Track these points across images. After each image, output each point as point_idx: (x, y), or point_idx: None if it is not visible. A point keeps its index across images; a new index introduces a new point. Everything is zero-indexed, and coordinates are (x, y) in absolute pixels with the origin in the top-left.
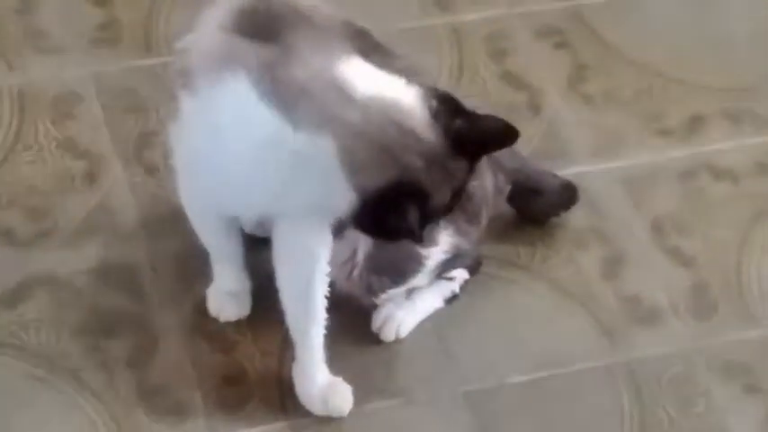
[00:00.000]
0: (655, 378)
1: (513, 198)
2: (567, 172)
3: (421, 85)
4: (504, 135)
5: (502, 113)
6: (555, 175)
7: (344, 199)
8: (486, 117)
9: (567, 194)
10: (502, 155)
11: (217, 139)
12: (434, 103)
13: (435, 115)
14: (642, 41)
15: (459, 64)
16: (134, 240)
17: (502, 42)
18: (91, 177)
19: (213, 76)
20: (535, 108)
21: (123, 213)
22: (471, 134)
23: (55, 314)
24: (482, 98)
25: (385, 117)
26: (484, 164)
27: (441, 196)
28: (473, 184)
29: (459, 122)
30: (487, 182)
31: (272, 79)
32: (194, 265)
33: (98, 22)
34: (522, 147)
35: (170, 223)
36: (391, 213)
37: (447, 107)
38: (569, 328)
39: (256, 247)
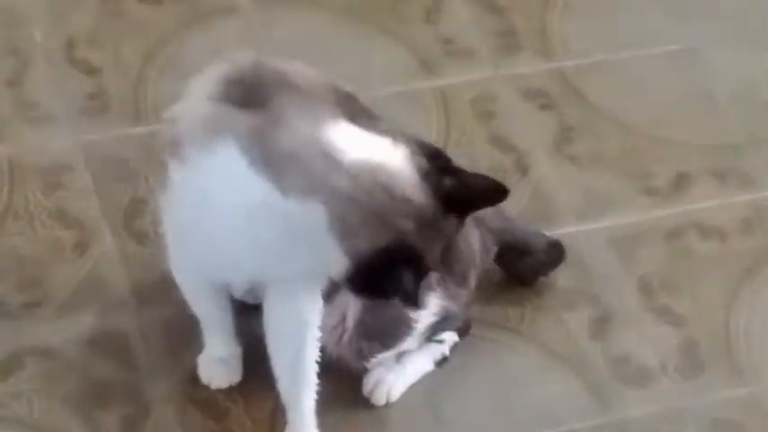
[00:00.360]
0: None
1: (500, 258)
2: (554, 232)
3: (408, 142)
4: (493, 193)
5: (489, 175)
6: (542, 234)
7: (337, 264)
8: (475, 175)
9: (555, 253)
10: (489, 216)
11: (206, 207)
12: (423, 161)
13: (424, 176)
14: (627, 102)
15: (447, 127)
16: (124, 309)
17: (488, 105)
18: (81, 247)
19: (202, 145)
20: (522, 169)
21: (114, 282)
22: (461, 193)
23: (46, 385)
24: (469, 160)
25: (374, 181)
26: (470, 225)
27: (432, 254)
28: (461, 247)
29: (448, 181)
30: (474, 243)
31: (261, 146)
32: (185, 333)
33: (87, 92)
34: (510, 207)
35: (160, 291)
36: (386, 277)
37: (435, 165)
38: (559, 390)
39: (247, 312)
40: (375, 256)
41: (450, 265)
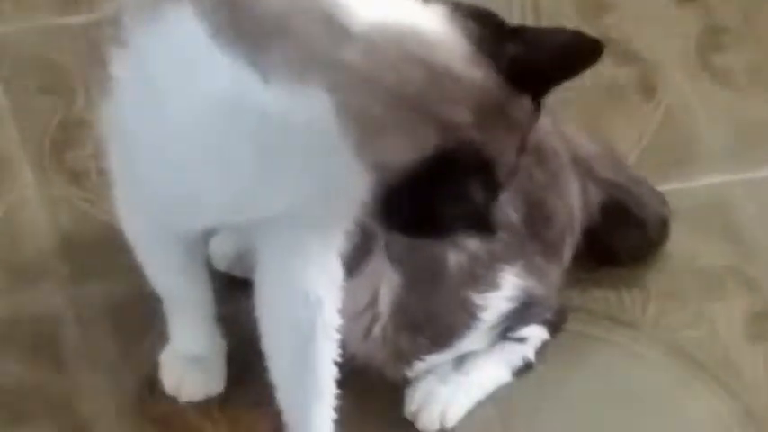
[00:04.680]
0: None
1: (598, 224)
2: (694, 184)
3: (445, 2)
4: (580, 51)
5: (600, 98)
6: (664, 201)
7: (356, 184)
8: (548, 30)
9: (664, 232)
10: (599, 162)
11: (158, 106)
12: (471, 24)
13: (477, 42)
14: None
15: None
16: (52, 283)
17: None
18: None
19: (148, 14)
20: (648, 90)
21: (35, 241)
22: (534, 58)
23: None
24: None
25: (403, 53)
26: (569, 173)
27: (506, 158)
28: (552, 204)
29: (511, 46)
30: (574, 200)
31: (231, 9)
32: (140, 319)
33: None
34: (629, 148)
35: (104, 257)
36: (443, 197)
37: (491, 29)
38: (699, 414)
39: (233, 291)
40: (421, 169)
41: (542, 219)
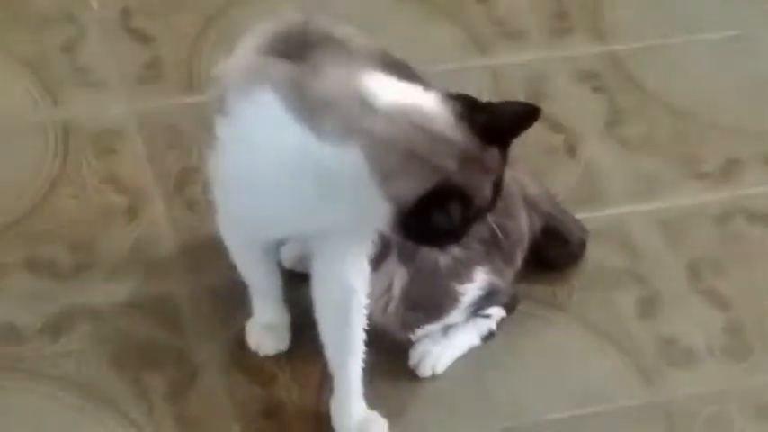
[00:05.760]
0: (690, 418)
1: (539, 241)
2: (603, 213)
3: (438, 90)
4: (525, 114)
5: (540, 156)
6: (582, 228)
7: (380, 211)
8: (505, 103)
9: (582, 250)
10: (540, 198)
11: (249, 157)
12: (454, 103)
13: (458, 115)
14: (678, 86)
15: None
16: (174, 274)
17: (540, 85)
18: (132, 212)
19: (243, 94)
20: (572, 150)
21: (163, 247)
22: (496, 122)
23: (96, 346)
24: (518, 140)
25: (410, 123)
26: (520, 205)
27: (482, 192)
28: (509, 225)
29: (481, 116)
30: (523, 223)
31: (298, 93)
32: (233, 299)
33: (142, 61)
34: (560, 189)
35: (209, 257)
36: (436, 215)
37: (467, 105)
38: (605, 368)
39: (295, 281)
40: (424, 199)
41: (503, 236)
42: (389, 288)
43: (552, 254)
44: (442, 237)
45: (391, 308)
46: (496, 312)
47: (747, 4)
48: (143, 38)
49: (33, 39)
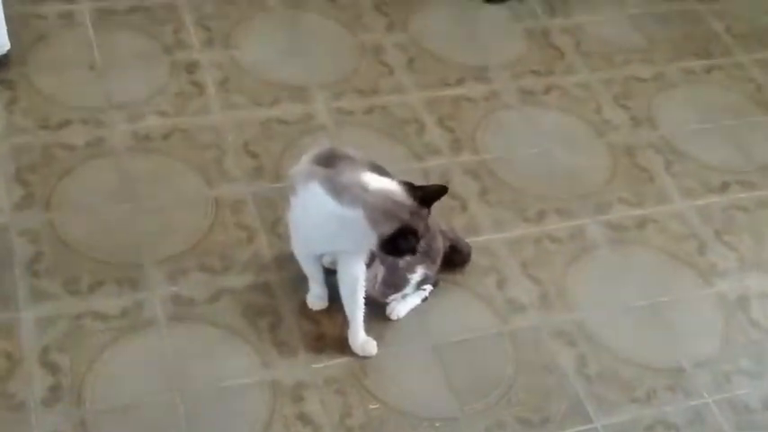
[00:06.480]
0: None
1: (446, 253)
2: (477, 239)
3: (400, 181)
4: (441, 190)
5: (445, 210)
6: (468, 245)
7: (372, 240)
8: (432, 185)
9: (469, 256)
10: (447, 230)
11: (305, 215)
12: (406, 186)
13: (408, 191)
14: None
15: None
16: (272, 270)
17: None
18: (250, 240)
19: (303, 184)
20: (464, 208)
21: (266, 257)
22: (426, 194)
23: (234, 306)
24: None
25: (385, 197)
26: (439, 235)
27: (421, 229)
28: (434, 245)
29: (418, 192)
30: (440, 243)
31: (330, 183)
32: (301, 282)
33: (251, 166)
34: (456, 225)
35: (289, 261)
36: (400, 241)
37: (412, 187)
38: (477, 312)
39: (331, 273)
40: (394, 234)
41: (430, 249)
42: (375, 276)
43: (454, 258)
44: (404, 252)
45: (377, 287)
46: (428, 287)
47: None
48: (252, 153)
49: None
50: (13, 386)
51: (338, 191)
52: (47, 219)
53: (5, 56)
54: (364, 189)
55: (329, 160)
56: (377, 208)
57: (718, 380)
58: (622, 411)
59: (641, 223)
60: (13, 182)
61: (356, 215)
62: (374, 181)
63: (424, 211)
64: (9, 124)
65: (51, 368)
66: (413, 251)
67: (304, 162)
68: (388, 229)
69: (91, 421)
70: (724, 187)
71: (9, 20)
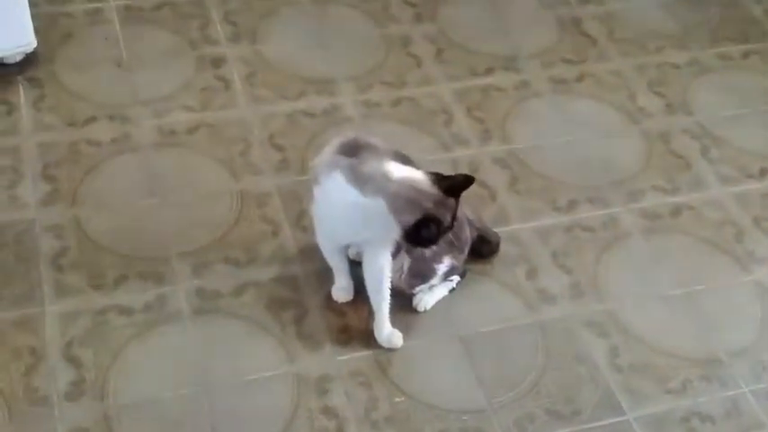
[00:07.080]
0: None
1: (474, 243)
2: (506, 228)
3: (426, 172)
4: (467, 181)
5: (475, 200)
6: (497, 234)
7: (394, 230)
8: (457, 175)
9: (498, 246)
10: (476, 220)
11: (329, 206)
12: (432, 176)
13: (433, 181)
14: None
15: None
16: (297, 263)
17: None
18: (275, 233)
19: (326, 174)
20: (493, 198)
21: (291, 250)
22: (452, 185)
23: (258, 299)
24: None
25: (409, 186)
26: (467, 224)
27: (446, 219)
28: (462, 235)
29: (444, 182)
30: (467, 233)
31: (353, 173)
32: (326, 274)
33: (276, 159)
34: (485, 215)
35: (313, 254)
36: (423, 230)
37: (437, 177)
38: (508, 302)
39: (355, 265)
40: (416, 222)
41: (457, 240)
42: (401, 267)
43: (482, 249)
44: (427, 242)
45: (403, 278)
46: (456, 278)
47: None
48: (278, 147)
49: None
50: (37, 380)
51: (360, 180)
52: (72, 214)
53: (33, 54)
54: (387, 178)
55: (352, 149)
56: (399, 197)
57: (755, 369)
58: (656, 403)
59: (676, 211)
60: (40, 178)
61: (378, 204)
62: (397, 170)
63: (451, 200)
64: (36, 121)
65: (75, 362)
66: (435, 240)
67: (327, 152)
68: (411, 218)
69: (114, 416)
70: (763, 173)
71: (36, 18)
